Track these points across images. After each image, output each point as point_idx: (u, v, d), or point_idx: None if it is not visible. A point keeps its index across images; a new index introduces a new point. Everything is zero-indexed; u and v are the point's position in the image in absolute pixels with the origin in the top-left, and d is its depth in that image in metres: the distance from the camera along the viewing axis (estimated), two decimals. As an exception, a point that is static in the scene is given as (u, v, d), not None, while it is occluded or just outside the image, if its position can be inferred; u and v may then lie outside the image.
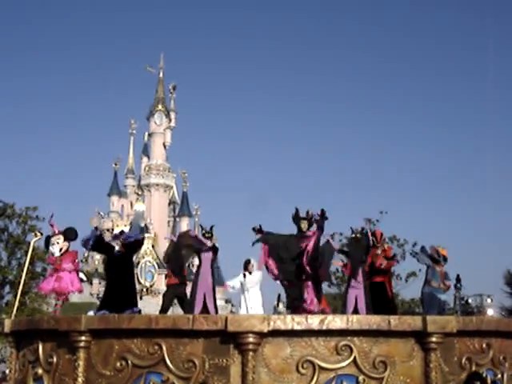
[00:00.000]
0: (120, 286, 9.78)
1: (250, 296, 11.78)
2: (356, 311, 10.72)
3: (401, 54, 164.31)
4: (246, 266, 11.88)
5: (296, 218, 10.62)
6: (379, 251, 11.46)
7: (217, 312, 11.21)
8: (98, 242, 10.12)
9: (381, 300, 11.16)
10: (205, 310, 10.97)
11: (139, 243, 10.43)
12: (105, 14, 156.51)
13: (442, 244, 11.53)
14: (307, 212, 10.64)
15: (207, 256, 11.37)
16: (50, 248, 10.25)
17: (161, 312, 11.48)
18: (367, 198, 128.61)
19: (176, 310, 13.89)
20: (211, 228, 11.49)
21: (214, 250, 11.50)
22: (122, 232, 10.21)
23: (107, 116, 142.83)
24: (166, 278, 12.58)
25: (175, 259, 11.99)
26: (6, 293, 32.69)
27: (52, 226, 10.39)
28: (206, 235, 11.45)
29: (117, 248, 10.09)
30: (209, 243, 11.40)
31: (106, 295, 9.96)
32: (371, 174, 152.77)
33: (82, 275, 10.77)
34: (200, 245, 11.40)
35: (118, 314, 8.21)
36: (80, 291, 10.51)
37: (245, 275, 11.80)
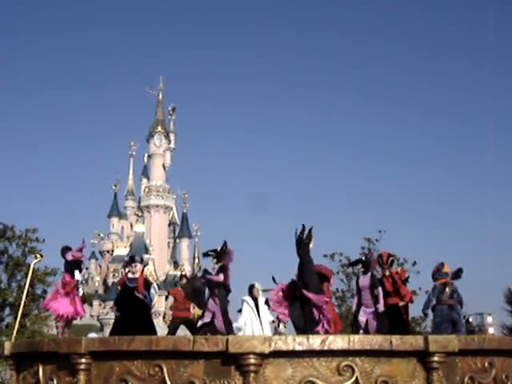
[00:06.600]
0: (135, 317, 9.80)
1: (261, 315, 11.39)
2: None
3: (397, 67, 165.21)
4: (251, 290, 11.54)
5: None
6: (387, 273, 11.52)
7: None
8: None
9: (395, 323, 11.00)
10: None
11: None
12: (104, 36, 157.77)
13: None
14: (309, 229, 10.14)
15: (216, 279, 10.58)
16: (76, 272, 10.40)
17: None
18: (366, 216, 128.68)
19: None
20: (224, 244, 10.57)
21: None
22: (132, 258, 10.32)
23: (107, 138, 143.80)
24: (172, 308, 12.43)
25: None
26: (6, 315, 32.49)
27: (81, 250, 10.65)
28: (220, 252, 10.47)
29: (130, 275, 10.18)
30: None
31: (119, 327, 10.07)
32: (370, 192, 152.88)
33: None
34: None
35: None
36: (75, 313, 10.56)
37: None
